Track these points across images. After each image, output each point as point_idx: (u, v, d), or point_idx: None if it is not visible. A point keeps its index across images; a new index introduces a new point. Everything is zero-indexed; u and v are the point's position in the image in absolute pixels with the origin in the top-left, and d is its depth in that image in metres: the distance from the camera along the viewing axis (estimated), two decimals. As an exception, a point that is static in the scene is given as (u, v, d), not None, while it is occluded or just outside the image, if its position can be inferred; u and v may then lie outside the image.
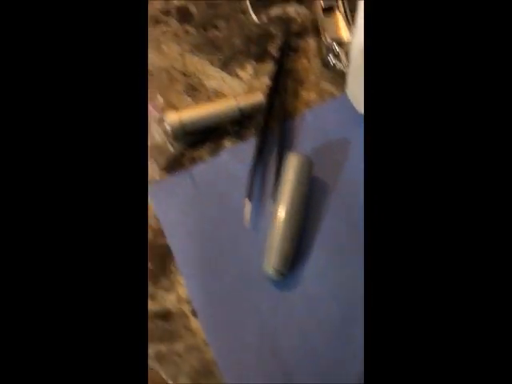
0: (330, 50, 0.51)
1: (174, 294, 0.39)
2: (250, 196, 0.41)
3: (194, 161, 0.47)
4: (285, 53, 0.53)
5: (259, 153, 0.44)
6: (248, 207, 0.41)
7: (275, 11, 0.59)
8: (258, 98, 0.47)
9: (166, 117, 0.45)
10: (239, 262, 0.40)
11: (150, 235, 0.42)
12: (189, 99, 0.51)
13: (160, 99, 0.48)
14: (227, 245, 0.41)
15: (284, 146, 0.45)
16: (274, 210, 0.40)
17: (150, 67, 0.54)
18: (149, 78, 0.53)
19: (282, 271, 0.37)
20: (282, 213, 0.39)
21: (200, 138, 0.48)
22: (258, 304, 0.38)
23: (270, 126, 0.47)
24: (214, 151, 0.47)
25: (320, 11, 0.54)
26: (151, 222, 0.43)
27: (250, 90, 0.51)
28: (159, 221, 0.43)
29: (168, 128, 0.45)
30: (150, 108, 0.46)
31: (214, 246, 0.41)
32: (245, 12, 0.59)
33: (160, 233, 0.42)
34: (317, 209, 0.41)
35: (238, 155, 0.46)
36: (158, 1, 0.61)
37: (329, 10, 0.54)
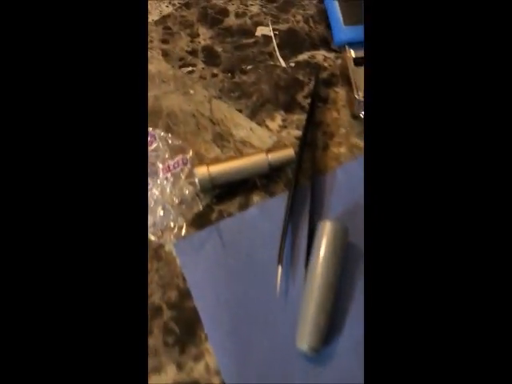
0: (361, 101, 0.50)
1: (202, 364, 0.38)
2: (280, 261, 0.40)
3: (221, 215, 0.46)
4: (315, 104, 0.52)
5: (290, 213, 0.43)
6: (279, 274, 0.40)
7: (303, 56, 0.58)
8: (289, 153, 0.46)
9: (196, 170, 0.44)
10: (270, 332, 0.38)
11: (177, 297, 0.41)
12: (217, 149, 0.50)
13: (190, 152, 0.47)
14: (257, 312, 0.40)
15: (315, 207, 0.44)
16: (306, 279, 0.39)
17: (177, 112, 0.53)
18: (177, 123, 0.52)
19: (317, 348, 0.36)
20: (315, 284, 0.38)
21: (228, 191, 0.47)
22: (290, 379, 0.37)
23: (300, 182, 0.46)
24: (243, 206, 0.46)
25: (350, 60, 0.53)
26: (178, 281, 0.42)
27: (279, 141, 0.50)
28: (186, 281, 0.42)
29: (197, 182, 0.44)
30: (180, 161, 0.45)
31: (244, 313, 0.40)
32: (272, 56, 0.59)
33: (187, 294, 0.41)
34: (351, 277, 0.40)
35: (266, 212, 0.45)
36: (184, 39, 0.60)
37: (360, 60, 0.53)
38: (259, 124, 0.52)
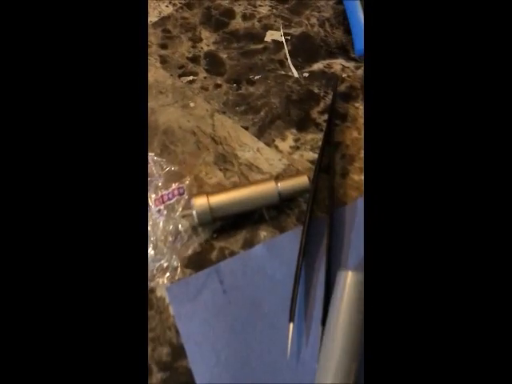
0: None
1: None
2: (292, 317, 0.34)
3: (222, 253, 0.39)
4: (332, 121, 0.45)
5: (303, 255, 0.36)
6: (291, 332, 0.33)
7: (318, 66, 0.51)
8: (303, 181, 0.40)
9: (193, 201, 0.38)
10: None
11: (169, 355, 0.35)
12: (219, 173, 0.44)
13: (187, 178, 0.40)
14: (263, 375, 0.33)
15: (333, 246, 0.37)
16: (324, 339, 0.32)
17: (176, 128, 0.47)
18: (175, 142, 0.46)
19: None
20: (336, 347, 0.31)
21: (231, 224, 0.40)
22: None
23: (315, 215, 0.39)
24: (248, 242, 0.40)
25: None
26: (171, 335, 0.36)
27: (291, 165, 0.44)
28: (180, 334, 0.35)
29: (194, 214, 0.38)
30: (176, 191, 0.39)
31: (248, 376, 0.33)
32: (283, 64, 0.52)
33: (181, 352, 0.35)
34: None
35: (275, 251, 0.38)
36: (185, 44, 0.54)
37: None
38: (268, 144, 0.45)
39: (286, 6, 0.58)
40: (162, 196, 0.38)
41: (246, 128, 0.47)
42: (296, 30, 0.55)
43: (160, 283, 0.37)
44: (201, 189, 0.42)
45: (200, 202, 0.38)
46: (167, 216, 0.38)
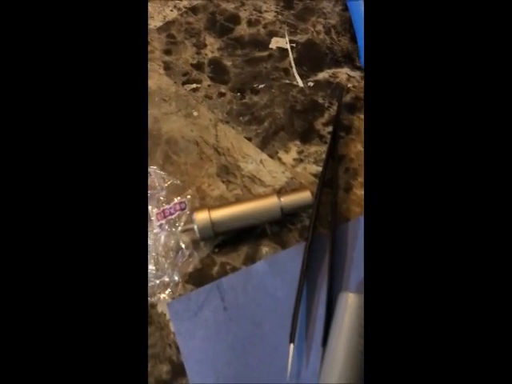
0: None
1: None
2: (293, 338, 0.33)
3: (224, 269, 0.39)
4: (337, 133, 0.44)
5: (305, 273, 0.36)
6: (291, 353, 0.33)
7: (323, 75, 0.51)
8: (305, 196, 0.39)
9: (195, 216, 0.37)
10: None
11: (169, 373, 0.35)
12: (222, 185, 0.43)
13: (189, 191, 0.40)
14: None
15: (336, 263, 0.37)
16: (324, 361, 0.32)
17: (178, 138, 0.46)
18: (177, 152, 0.45)
19: None
20: (335, 371, 0.31)
21: (232, 240, 0.40)
22: None
23: (317, 231, 0.39)
24: (249, 258, 0.39)
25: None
26: (171, 352, 0.35)
27: (293, 178, 0.43)
28: (180, 352, 0.35)
29: (196, 229, 0.37)
30: (178, 206, 0.38)
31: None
32: (287, 72, 0.51)
33: (181, 370, 0.35)
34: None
35: (276, 267, 0.38)
36: (190, 50, 0.53)
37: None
38: (271, 156, 0.45)
39: (292, 11, 0.57)
40: (163, 210, 0.38)
41: (250, 139, 0.46)
42: (302, 37, 0.54)
43: (161, 299, 0.37)
44: (203, 201, 0.42)
45: (201, 216, 0.38)
46: (168, 231, 0.38)
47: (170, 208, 0.38)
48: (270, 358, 0.35)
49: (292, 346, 0.33)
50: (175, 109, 0.49)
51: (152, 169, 0.40)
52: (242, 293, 0.37)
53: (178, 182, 0.40)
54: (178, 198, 0.39)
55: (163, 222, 0.38)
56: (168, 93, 0.51)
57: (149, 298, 0.37)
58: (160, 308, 0.37)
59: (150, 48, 0.54)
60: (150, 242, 0.37)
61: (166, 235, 0.38)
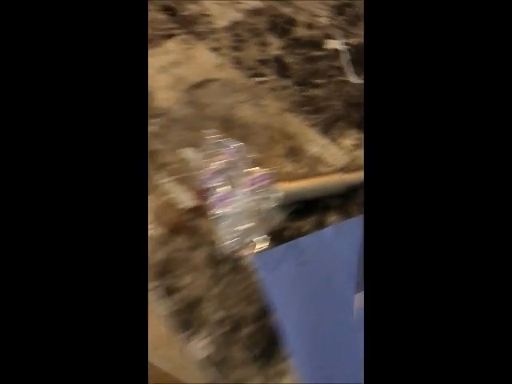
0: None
1: (287, 380, 0.39)
2: (359, 288, 0.41)
3: (297, 232, 0.47)
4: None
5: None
6: (358, 303, 0.41)
7: (373, 74, 0.58)
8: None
9: (276, 186, 0.45)
10: (347, 364, 0.40)
11: (259, 311, 0.42)
12: (289, 165, 0.51)
13: (267, 167, 0.48)
14: (335, 339, 0.41)
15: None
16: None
17: (250, 124, 0.54)
18: (249, 135, 0.53)
19: None
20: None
21: (304, 209, 0.48)
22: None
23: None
24: (317, 225, 0.47)
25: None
26: (257, 297, 0.43)
27: (352, 161, 0.51)
28: (266, 296, 0.43)
29: (277, 196, 0.45)
30: (261, 176, 0.46)
31: (322, 338, 0.41)
32: (342, 70, 0.59)
33: (268, 309, 0.42)
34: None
35: (342, 233, 0.46)
36: (255, 48, 0.61)
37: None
38: (331, 141, 0.53)
39: (344, 17, 0.65)
40: (250, 179, 0.46)
41: (312, 126, 0.54)
42: (354, 41, 0.62)
43: (248, 253, 0.45)
44: (276, 176, 0.50)
45: (283, 186, 0.46)
46: (254, 197, 0.46)
47: (255, 178, 0.46)
48: (340, 305, 0.42)
49: (357, 295, 0.41)
50: (245, 98, 0.57)
51: (237, 144, 0.48)
52: (314, 251, 0.45)
53: (258, 155, 0.48)
54: (261, 170, 0.47)
55: (249, 189, 0.46)
56: (238, 84, 0.58)
57: (239, 252, 0.45)
58: (248, 260, 0.45)
59: (218, 45, 0.62)
60: (239, 206, 0.45)
61: (252, 200, 0.45)
